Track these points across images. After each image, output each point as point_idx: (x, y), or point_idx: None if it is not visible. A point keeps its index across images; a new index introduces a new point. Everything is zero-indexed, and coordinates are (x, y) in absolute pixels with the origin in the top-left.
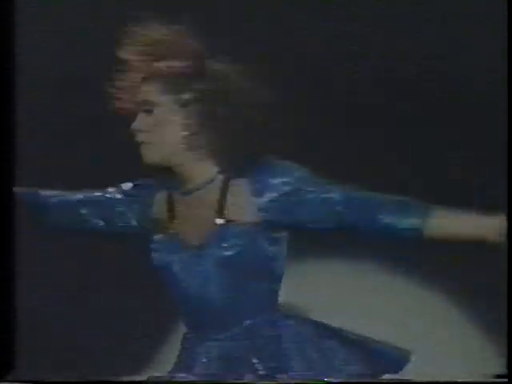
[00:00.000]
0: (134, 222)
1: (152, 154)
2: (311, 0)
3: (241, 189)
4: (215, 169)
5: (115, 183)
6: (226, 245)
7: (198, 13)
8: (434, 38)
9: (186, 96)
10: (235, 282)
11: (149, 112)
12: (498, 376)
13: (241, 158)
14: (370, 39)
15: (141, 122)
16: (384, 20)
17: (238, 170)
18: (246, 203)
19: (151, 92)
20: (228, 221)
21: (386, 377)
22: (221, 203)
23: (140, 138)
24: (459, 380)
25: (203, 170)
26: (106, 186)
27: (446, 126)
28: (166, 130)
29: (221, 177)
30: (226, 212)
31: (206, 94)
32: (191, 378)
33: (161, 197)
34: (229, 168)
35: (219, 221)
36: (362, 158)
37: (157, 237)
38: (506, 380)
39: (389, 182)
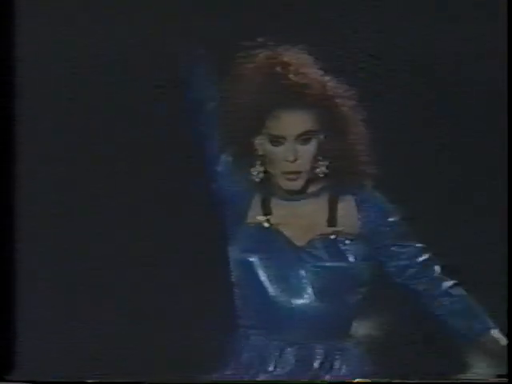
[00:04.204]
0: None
1: (299, 183)
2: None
3: (349, 204)
4: (321, 185)
5: (114, 184)
6: (335, 253)
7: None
8: (433, 38)
9: (328, 126)
10: (332, 292)
11: (306, 142)
12: (498, 376)
13: (348, 181)
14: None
15: (296, 151)
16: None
17: (343, 190)
18: (352, 217)
19: (309, 122)
20: (338, 231)
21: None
22: (332, 214)
23: (290, 168)
24: (459, 380)
25: (313, 187)
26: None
27: (445, 125)
28: (313, 159)
29: (328, 192)
30: (336, 223)
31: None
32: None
33: (256, 201)
34: (336, 188)
35: (330, 230)
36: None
37: (251, 230)
38: (506, 380)
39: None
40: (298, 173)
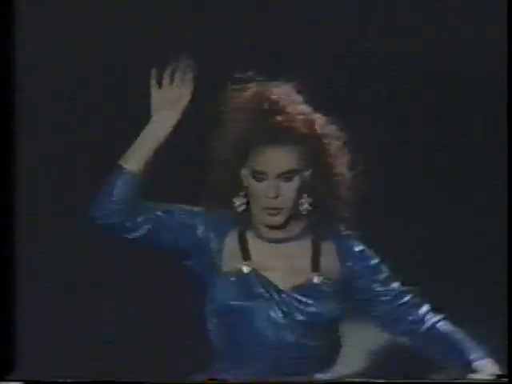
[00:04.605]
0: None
1: (279, 218)
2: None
3: (330, 249)
4: (303, 225)
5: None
6: (319, 300)
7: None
8: (433, 38)
9: (310, 163)
10: (310, 335)
11: (289, 179)
12: (499, 376)
13: (331, 222)
14: (374, 37)
15: (278, 188)
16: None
17: (326, 232)
18: (334, 264)
19: (293, 160)
20: (323, 278)
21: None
22: (316, 260)
23: (271, 204)
24: (459, 380)
25: (295, 225)
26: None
27: (445, 126)
28: (296, 196)
29: (310, 234)
30: (320, 269)
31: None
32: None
33: (233, 236)
34: (319, 229)
35: (316, 277)
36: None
37: (232, 276)
38: (506, 380)
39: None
40: (279, 209)
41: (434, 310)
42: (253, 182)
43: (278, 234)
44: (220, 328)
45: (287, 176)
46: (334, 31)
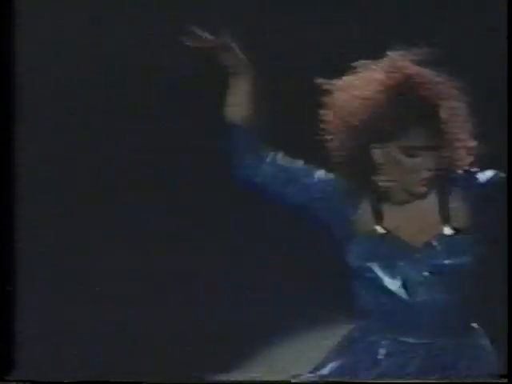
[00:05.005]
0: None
1: (427, 188)
2: None
3: (458, 200)
4: (426, 181)
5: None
6: (456, 253)
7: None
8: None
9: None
10: (454, 291)
11: (434, 151)
12: (498, 376)
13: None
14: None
15: (430, 161)
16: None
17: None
18: (464, 214)
19: (440, 133)
20: (456, 230)
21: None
22: (445, 212)
23: (428, 175)
24: (459, 380)
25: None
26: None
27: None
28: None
29: (437, 189)
30: (452, 221)
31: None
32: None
33: (365, 207)
34: (443, 181)
35: (447, 230)
36: None
37: (366, 236)
38: (506, 380)
39: None
40: (430, 179)
41: None
42: (403, 158)
43: (400, 197)
44: (360, 287)
45: (434, 151)
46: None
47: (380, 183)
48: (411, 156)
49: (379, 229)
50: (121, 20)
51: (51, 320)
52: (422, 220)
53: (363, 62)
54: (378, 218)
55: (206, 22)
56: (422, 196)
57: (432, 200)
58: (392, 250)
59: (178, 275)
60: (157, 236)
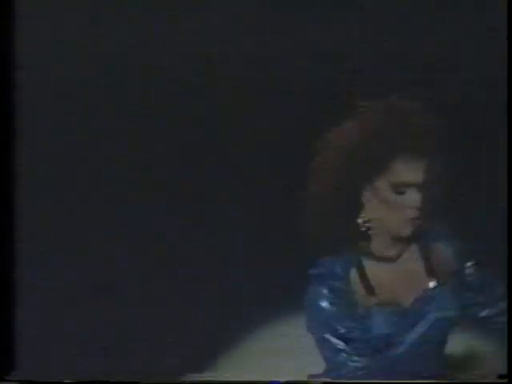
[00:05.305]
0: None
1: (413, 229)
2: None
3: (440, 252)
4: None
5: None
6: (442, 306)
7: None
8: (433, 39)
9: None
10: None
11: (426, 189)
12: (498, 376)
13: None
14: (368, 38)
15: (418, 198)
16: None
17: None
18: (445, 265)
19: (429, 170)
20: (439, 283)
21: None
22: (430, 267)
23: (415, 214)
24: (459, 380)
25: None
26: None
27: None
28: (427, 208)
29: (419, 242)
30: (435, 274)
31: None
32: None
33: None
34: (426, 233)
35: (432, 284)
36: None
37: (375, 309)
38: (506, 380)
39: None
40: (418, 219)
41: None
42: (392, 195)
43: (392, 252)
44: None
45: (424, 187)
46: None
47: (365, 224)
48: (400, 193)
49: (371, 300)
50: (121, 20)
51: (51, 320)
52: (408, 276)
53: (364, 103)
54: (368, 289)
55: (206, 22)
56: (406, 250)
57: (414, 254)
58: (392, 317)
59: (178, 275)
60: (157, 236)
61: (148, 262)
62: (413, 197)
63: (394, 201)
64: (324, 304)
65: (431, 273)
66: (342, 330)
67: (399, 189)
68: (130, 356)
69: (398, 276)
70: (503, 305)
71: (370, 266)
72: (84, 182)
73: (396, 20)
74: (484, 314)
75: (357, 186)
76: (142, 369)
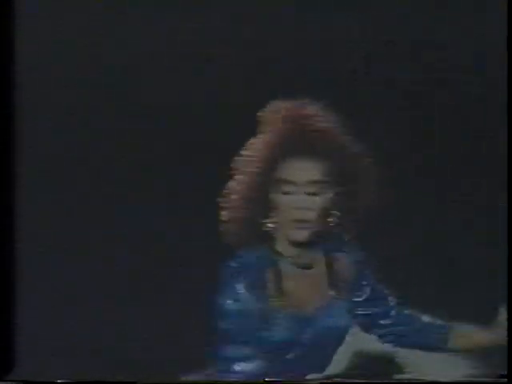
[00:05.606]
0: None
1: (306, 233)
2: None
3: (344, 263)
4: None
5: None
6: (338, 315)
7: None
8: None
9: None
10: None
11: (315, 194)
12: (498, 376)
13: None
14: (370, 36)
15: (308, 201)
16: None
17: (340, 246)
18: (348, 277)
19: (320, 173)
20: (339, 293)
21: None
22: (332, 277)
23: (301, 216)
24: (459, 380)
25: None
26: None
27: (445, 126)
28: (324, 212)
29: (324, 252)
30: (337, 285)
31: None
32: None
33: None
34: (332, 244)
35: (332, 293)
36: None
37: (279, 312)
38: (505, 380)
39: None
40: (306, 222)
41: (433, 310)
42: (280, 197)
43: (304, 258)
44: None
45: (314, 189)
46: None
47: (271, 226)
48: (285, 194)
49: (278, 303)
50: (121, 20)
51: (51, 320)
52: (314, 283)
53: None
54: (278, 291)
55: (206, 22)
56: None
57: (320, 260)
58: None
59: (178, 275)
60: (157, 236)
61: (148, 262)
62: (296, 198)
63: (280, 202)
64: (233, 297)
65: (332, 281)
66: (246, 326)
67: (284, 189)
68: (130, 356)
69: (306, 282)
70: (395, 315)
71: (284, 268)
72: (84, 182)
73: (396, 20)
74: (379, 323)
75: (264, 187)
76: (141, 369)
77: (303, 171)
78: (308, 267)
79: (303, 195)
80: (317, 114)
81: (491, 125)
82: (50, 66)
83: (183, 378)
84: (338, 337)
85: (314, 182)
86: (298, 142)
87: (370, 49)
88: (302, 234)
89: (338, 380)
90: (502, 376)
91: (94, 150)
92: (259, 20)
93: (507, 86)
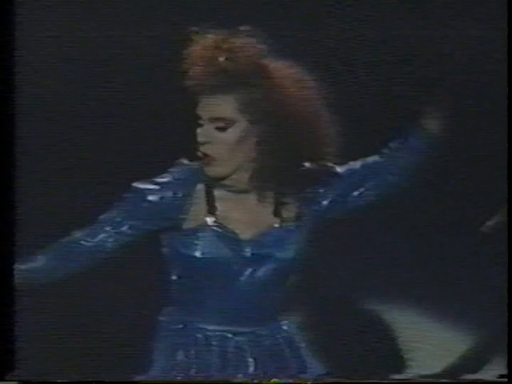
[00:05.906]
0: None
1: (220, 169)
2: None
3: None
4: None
5: (119, 183)
6: (283, 246)
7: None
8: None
9: (259, 114)
10: (277, 281)
11: (223, 129)
12: (498, 376)
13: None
14: (368, 38)
15: (213, 136)
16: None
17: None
18: (295, 209)
19: (227, 109)
20: (284, 223)
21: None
22: (277, 207)
23: (208, 151)
24: (459, 380)
25: (243, 178)
26: (104, 187)
27: (445, 126)
28: (239, 148)
29: (272, 184)
30: (282, 215)
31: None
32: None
33: (199, 189)
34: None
35: (276, 222)
36: None
37: (199, 228)
38: (505, 380)
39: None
40: (212, 158)
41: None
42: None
43: (238, 186)
44: (183, 281)
45: (221, 124)
46: None
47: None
48: (221, 129)
49: (208, 220)
50: (121, 20)
51: (51, 320)
52: (252, 212)
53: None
54: (210, 207)
55: (205, 22)
56: (256, 189)
57: (267, 194)
58: (221, 242)
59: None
60: (156, 236)
61: (149, 261)
62: (201, 132)
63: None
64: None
65: (276, 215)
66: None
67: (197, 124)
68: (129, 356)
69: (244, 209)
70: None
71: (220, 191)
72: (84, 182)
73: (392, 18)
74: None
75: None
76: (141, 369)
77: (209, 106)
78: (245, 192)
79: (208, 130)
80: (241, 44)
81: (491, 125)
82: (50, 66)
83: (182, 378)
84: (280, 269)
85: (220, 119)
86: (214, 74)
87: None
88: (213, 170)
89: (337, 380)
90: (502, 376)
91: (93, 149)
92: None
93: (507, 85)
